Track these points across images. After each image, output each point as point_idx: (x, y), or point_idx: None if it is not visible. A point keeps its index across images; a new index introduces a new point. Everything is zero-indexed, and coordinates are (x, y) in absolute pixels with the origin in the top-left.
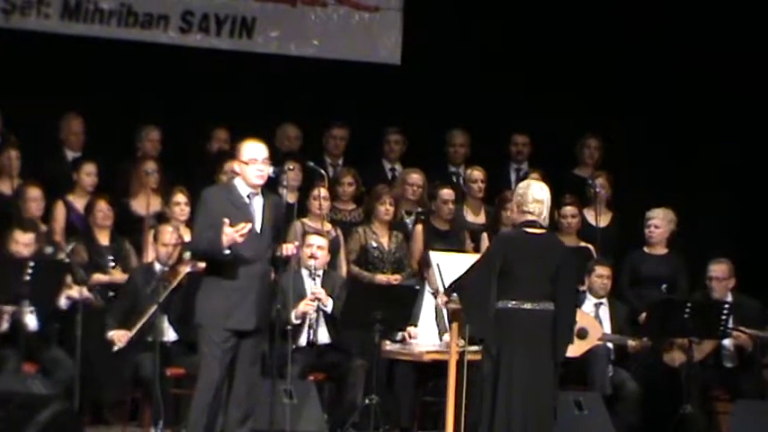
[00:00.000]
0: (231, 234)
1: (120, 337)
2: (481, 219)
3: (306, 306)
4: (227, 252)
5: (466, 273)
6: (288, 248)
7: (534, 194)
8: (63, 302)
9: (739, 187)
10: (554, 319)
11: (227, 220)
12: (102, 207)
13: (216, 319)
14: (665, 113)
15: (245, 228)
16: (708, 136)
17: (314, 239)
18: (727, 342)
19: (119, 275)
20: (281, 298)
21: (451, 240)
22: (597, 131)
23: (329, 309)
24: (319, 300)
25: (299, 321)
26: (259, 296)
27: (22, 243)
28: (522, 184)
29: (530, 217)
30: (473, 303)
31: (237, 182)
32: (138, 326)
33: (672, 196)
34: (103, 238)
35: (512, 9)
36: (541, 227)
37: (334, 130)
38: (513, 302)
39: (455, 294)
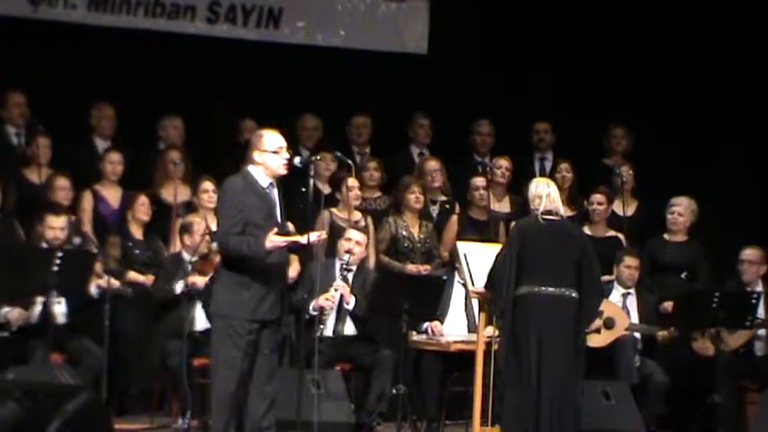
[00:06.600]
0: (278, 242)
1: None
2: (505, 207)
3: (324, 301)
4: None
5: (493, 262)
6: (312, 236)
7: (537, 191)
8: (93, 290)
9: None
10: (577, 306)
11: (275, 229)
12: (145, 201)
13: (240, 310)
14: (690, 106)
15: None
16: (736, 128)
17: (353, 234)
18: (762, 331)
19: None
20: (308, 286)
21: (486, 231)
22: (624, 121)
23: (351, 306)
24: (341, 296)
25: (315, 313)
26: (279, 285)
27: (58, 227)
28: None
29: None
30: (497, 291)
31: (254, 171)
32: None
33: (700, 185)
34: (138, 233)
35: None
36: (557, 215)
37: (355, 119)
38: (532, 287)
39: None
